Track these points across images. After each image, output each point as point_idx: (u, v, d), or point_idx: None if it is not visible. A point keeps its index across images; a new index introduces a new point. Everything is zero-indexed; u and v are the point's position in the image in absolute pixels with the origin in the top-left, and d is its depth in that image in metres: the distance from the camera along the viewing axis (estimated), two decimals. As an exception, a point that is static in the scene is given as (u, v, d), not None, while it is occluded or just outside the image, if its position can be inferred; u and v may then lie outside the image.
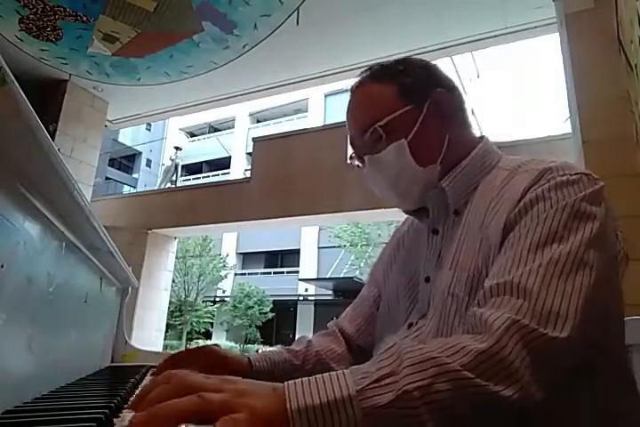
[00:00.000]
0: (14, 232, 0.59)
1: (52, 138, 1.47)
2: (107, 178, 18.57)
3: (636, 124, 2.48)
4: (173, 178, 10.82)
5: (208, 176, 20.03)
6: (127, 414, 0.57)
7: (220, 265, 15.70)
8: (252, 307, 15.55)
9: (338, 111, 15.09)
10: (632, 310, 0.82)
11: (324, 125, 8.43)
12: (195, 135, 22.83)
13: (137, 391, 0.77)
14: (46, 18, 4.17)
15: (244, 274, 18.52)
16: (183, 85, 5.44)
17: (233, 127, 21.06)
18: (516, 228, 0.58)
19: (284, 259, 18.91)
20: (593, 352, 0.53)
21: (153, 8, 3.94)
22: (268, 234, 15.92)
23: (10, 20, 4.26)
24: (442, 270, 0.67)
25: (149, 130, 21.49)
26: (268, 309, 15.81)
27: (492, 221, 0.63)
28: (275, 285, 16.83)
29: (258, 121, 20.85)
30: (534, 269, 0.52)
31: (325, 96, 18.10)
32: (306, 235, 17.31)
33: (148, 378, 0.96)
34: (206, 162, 21.65)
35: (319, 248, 17.44)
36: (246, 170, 16.37)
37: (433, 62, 0.76)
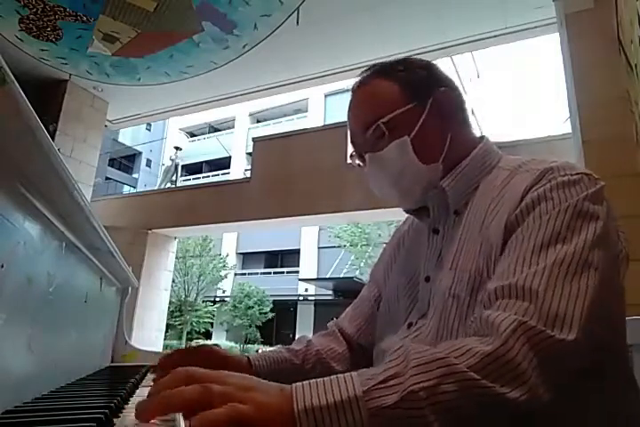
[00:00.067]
0: (14, 232, 0.59)
1: (52, 138, 1.47)
2: (107, 178, 18.57)
3: (636, 124, 2.48)
4: (173, 178, 10.82)
5: (208, 176, 20.03)
6: (127, 414, 0.57)
7: (220, 265, 15.71)
8: (252, 307, 15.55)
9: (338, 111, 15.10)
10: (632, 310, 0.82)
11: (324, 125, 8.43)
12: (195, 135, 22.83)
13: (137, 391, 0.78)
14: (46, 18, 4.17)
15: (244, 274, 18.52)
16: (183, 85, 5.44)
17: (233, 127, 21.05)
18: (518, 229, 0.58)
19: (284, 259, 18.91)
20: (600, 354, 0.53)
21: (153, 8, 3.94)
22: (268, 234, 15.91)
23: (10, 20, 4.26)
24: (442, 271, 0.67)
25: (149, 130, 21.49)
26: (268, 309, 15.81)
27: (492, 222, 0.63)
28: (275, 285, 16.83)
29: (258, 121, 20.84)
30: (539, 271, 0.52)
31: (325, 96, 18.10)
32: (306, 235, 17.30)
33: (148, 378, 0.96)
34: (206, 162, 21.65)
35: (319, 248, 17.44)
36: (246, 170, 16.37)
37: (433, 62, 0.77)
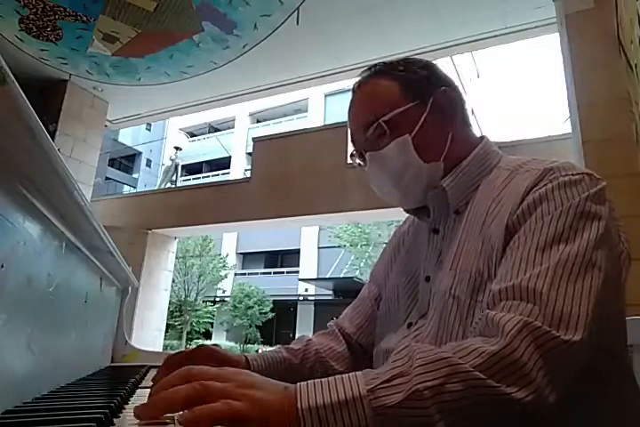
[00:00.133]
0: (14, 232, 0.59)
1: (52, 138, 1.47)
2: (107, 178, 18.57)
3: (636, 124, 2.48)
4: (173, 178, 10.83)
5: (208, 176, 20.03)
6: (127, 414, 0.57)
7: (220, 265, 15.71)
8: (252, 307, 15.55)
9: (338, 111, 15.09)
10: (632, 310, 0.82)
11: (324, 125, 8.43)
12: (195, 135, 22.83)
13: (137, 391, 0.78)
14: (46, 18, 4.17)
15: (244, 274, 18.52)
16: (183, 85, 5.44)
17: (233, 127, 21.06)
18: (520, 230, 0.58)
19: (283, 259, 18.91)
20: (604, 354, 0.53)
21: (153, 8, 3.94)
22: (268, 234, 15.92)
23: (10, 20, 4.26)
24: (442, 271, 0.67)
25: (149, 130, 21.49)
26: (268, 309, 15.81)
27: (493, 222, 0.63)
28: (275, 285, 16.83)
29: (258, 121, 20.84)
30: (543, 272, 0.52)
31: (325, 96, 18.10)
32: (306, 235, 17.31)
33: (148, 378, 0.96)
34: (206, 162, 21.65)
35: (319, 248, 17.44)
36: (246, 170, 16.37)
37: (433, 62, 0.77)
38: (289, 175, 5.84)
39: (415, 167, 0.70)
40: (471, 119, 0.78)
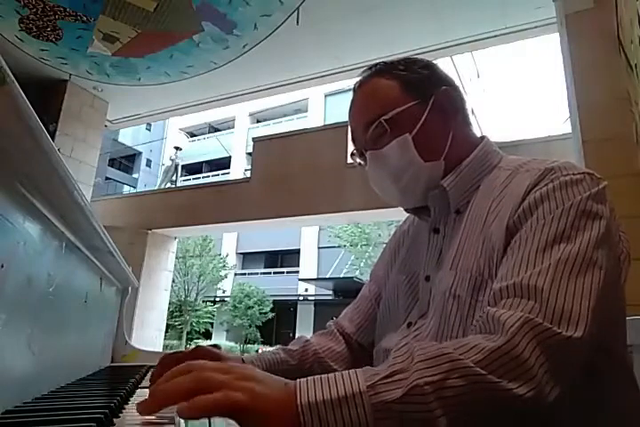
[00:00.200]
0: (14, 232, 0.59)
1: (52, 138, 1.47)
2: (107, 178, 18.57)
3: (636, 124, 2.48)
4: (173, 178, 10.83)
5: (208, 176, 20.03)
6: (127, 414, 0.57)
7: (220, 265, 15.71)
8: (252, 307, 15.55)
9: (338, 111, 15.08)
10: (632, 310, 0.82)
11: (324, 125, 8.43)
12: (195, 135, 22.83)
13: (137, 391, 0.78)
14: (46, 18, 4.17)
15: (244, 274, 18.52)
16: (183, 85, 5.44)
17: (233, 127, 21.06)
18: (522, 229, 0.58)
19: (283, 259, 18.91)
20: (604, 353, 0.53)
21: (153, 8, 3.94)
22: (268, 234, 15.92)
23: (10, 20, 4.26)
24: (442, 270, 0.67)
25: (149, 130, 21.49)
26: (268, 309, 15.81)
27: (493, 222, 0.63)
28: (275, 285, 16.83)
29: (258, 121, 20.84)
30: (544, 270, 0.52)
31: (325, 96, 18.10)
32: (306, 235, 17.31)
33: (148, 378, 0.96)
34: (206, 162, 21.65)
35: (319, 248, 17.44)
36: (246, 170, 16.37)
37: (434, 62, 0.77)
38: (289, 175, 5.84)
39: (415, 166, 0.70)
40: (471, 119, 0.78)
